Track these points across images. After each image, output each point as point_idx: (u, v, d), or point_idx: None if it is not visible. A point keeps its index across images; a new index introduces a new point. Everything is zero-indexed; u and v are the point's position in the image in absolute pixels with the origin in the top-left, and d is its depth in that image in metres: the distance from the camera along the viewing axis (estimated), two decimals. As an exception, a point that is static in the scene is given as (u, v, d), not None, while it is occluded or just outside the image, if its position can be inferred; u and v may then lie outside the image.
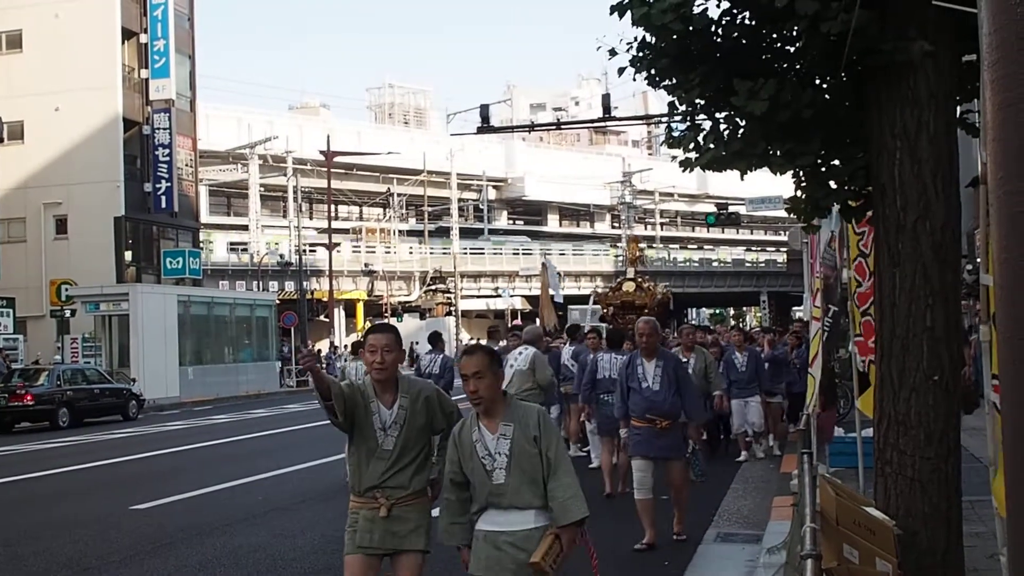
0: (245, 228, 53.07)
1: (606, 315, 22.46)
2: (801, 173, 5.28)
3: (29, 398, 22.26)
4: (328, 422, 4.72)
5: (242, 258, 50.58)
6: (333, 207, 49.67)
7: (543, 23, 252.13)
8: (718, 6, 5.02)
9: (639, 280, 22.10)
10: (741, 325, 51.41)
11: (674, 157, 5.80)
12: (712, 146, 5.25)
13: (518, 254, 62.90)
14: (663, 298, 22.93)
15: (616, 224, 76.08)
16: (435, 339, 13.44)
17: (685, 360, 11.14)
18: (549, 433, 4.19)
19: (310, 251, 50.56)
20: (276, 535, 9.12)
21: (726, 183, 62.86)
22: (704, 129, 5.32)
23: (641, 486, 8.00)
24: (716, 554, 7.81)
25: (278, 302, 41.50)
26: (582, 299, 56.26)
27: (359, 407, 4.65)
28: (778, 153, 5.14)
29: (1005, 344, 1.87)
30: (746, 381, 13.01)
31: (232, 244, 51.35)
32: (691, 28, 4.86)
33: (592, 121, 37.11)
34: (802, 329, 15.99)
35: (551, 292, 25.60)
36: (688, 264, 71.30)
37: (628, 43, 5.20)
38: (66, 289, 32.33)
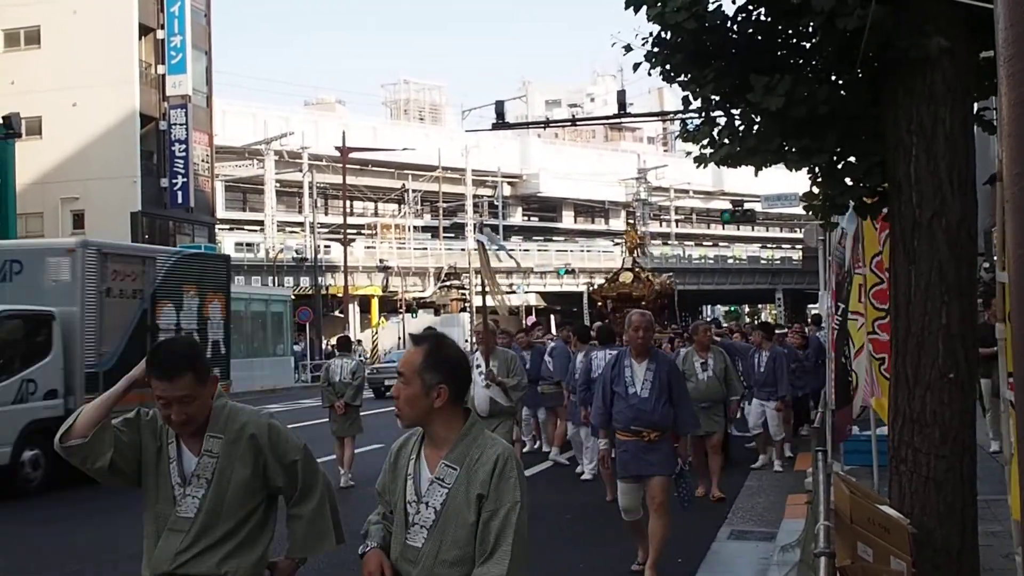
0: (261, 224, 53.23)
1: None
2: (817, 170, 5.26)
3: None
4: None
5: (257, 255, 50.70)
6: (348, 203, 49.81)
7: (558, 20, 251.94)
8: (733, 2, 5.01)
9: (636, 270, 20.93)
10: (757, 321, 51.17)
11: (689, 153, 5.80)
12: (727, 142, 5.23)
13: (531, 251, 62.88)
14: (662, 289, 21.24)
15: (631, 221, 76.01)
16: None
17: (702, 360, 10.68)
18: (502, 494, 2.79)
19: (325, 247, 50.69)
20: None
21: (741, 180, 62.76)
22: (719, 125, 5.30)
23: (629, 510, 7.06)
24: (730, 552, 7.81)
25: (293, 298, 41.62)
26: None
27: (147, 451, 3.17)
28: (793, 149, 5.12)
29: (1020, 340, 1.86)
30: (762, 383, 12.01)
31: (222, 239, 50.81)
32: (706, 24, 4.85)
33: (607, 117, 37.03)
34: (805, 328, 15.80)
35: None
36: (703, 261, 71.16)
37: (643, 39, 5.19)
38: (83, 284, 32.47)
